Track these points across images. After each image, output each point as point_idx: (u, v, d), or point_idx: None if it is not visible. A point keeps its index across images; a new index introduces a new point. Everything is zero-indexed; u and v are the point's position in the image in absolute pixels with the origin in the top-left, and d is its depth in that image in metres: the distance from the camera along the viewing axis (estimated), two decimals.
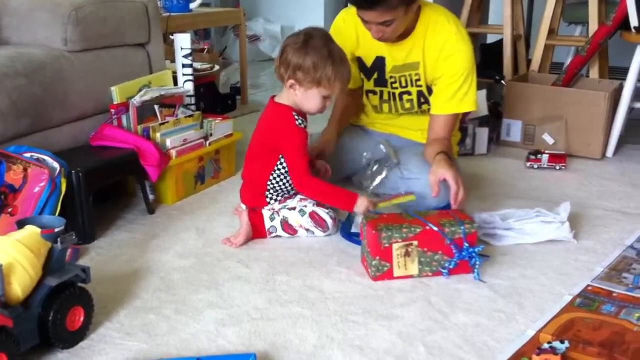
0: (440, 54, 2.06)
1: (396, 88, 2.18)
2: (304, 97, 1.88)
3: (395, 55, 2.13)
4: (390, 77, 2.17)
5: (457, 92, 2.07)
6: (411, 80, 2.15)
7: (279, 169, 1.95)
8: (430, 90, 2.15)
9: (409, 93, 2.18)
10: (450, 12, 2.11)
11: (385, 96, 2.22)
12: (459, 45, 2.04)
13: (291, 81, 1.86)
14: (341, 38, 2.12)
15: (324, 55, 1.82)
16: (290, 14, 5.46)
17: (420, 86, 2.14)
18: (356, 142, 2.31)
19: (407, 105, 2.21)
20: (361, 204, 1.88)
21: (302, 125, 1.90)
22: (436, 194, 1.89)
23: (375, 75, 2.20)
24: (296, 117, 1.89)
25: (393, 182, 2.12)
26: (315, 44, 1.83)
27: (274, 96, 1.97)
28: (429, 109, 2.17)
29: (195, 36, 4.78)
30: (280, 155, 1.93)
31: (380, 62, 2.16)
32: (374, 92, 2.24)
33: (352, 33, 2.16)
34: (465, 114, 2.74)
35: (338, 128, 2.30)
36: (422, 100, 2.18)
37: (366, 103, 2.34)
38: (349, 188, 2.32)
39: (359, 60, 2.21)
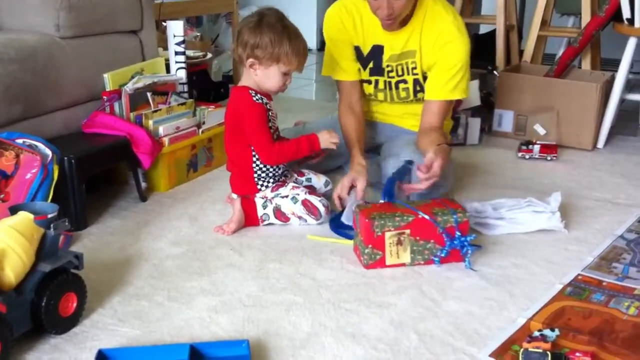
0: (436, 42, 2.06)
1: (392, 77, 2.18)
2: (264, 75, 1.89)
3: (393, 44, 2.12)
4: (387, 65, 2.16)
5: (451, 79, 2.07)
6: (408, 69, 2.14)
7: None
8: (425, 79, 2.15)
9: (405, 82, 2.17)
10: (447, 2, 2.12)
11: (381, 85, 2.21)
12: (455, 33, 2.05)
13: (251, 60, 1.88)
14: (337, 27, 2.16)
15: (279, 31, 1.85)
16: (283, 2, 5.42)
17: (417, 74, 2.14)
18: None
19: (403, 94, 2.20)
20: (324, 140, 1.94)
21: (260, 101, 1.91)
22: (422, 173, 1.82)
23: (370, 65, 2.19)
24: (253, 94, 1.91)
25: (387, 170, 2.13)
26: (269, 21, 1.86)
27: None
28: (424, 97, 2.18)
29: (188, 24, 4.75)
30: None
31: (377, 50, 2.15)
32: (369, 82, 2.23)
33: (349, 21, 2.15)
34: (457, 104, 2.76)
35: (361, 147, 2.12)
36: (418, 88, 2.17)
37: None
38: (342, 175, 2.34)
39: (357, 49, 2.19)
